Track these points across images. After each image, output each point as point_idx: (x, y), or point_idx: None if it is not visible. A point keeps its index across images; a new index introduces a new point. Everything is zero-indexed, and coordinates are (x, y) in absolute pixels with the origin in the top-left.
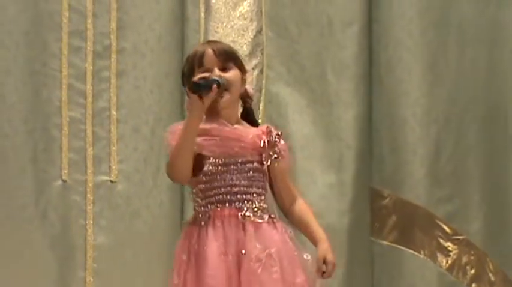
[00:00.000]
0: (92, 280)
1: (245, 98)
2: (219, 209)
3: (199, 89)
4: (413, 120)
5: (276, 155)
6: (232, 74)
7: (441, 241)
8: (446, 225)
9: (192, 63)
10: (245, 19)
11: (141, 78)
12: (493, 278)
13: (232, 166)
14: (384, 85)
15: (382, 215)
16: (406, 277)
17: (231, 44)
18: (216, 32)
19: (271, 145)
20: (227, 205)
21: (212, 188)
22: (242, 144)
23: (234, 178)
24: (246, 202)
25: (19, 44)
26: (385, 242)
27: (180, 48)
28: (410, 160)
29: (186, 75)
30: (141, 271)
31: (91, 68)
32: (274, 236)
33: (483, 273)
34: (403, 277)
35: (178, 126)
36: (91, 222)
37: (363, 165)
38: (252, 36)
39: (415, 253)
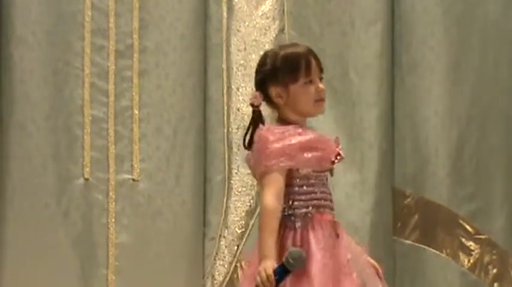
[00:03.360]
0: (113, 278)
1: None
2: (318, 214)
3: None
4: (435, 119)
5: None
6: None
7: (463, 240)
8: (468, 224)
9: (297, 68)
10: (267, 18)
11: (163, 78)
12: None
13: (325, 174)
14: (406, 84)
15: (404, 215)
16: (428, 276)
17: (254, 43)
18: (238, 30)
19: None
20: (325, 210)
21: (311, 192)
22: (333, 155)
23: (327, 183)
24: (333, 208)
25: (42, 43)
26: (408, 242)
27: (203, 47)
28: (432, 159)
29: (283, 76)
30: (163, 269)
31: (113, 67)
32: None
33: (505, 272)
34: (425, 277)
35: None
36: (113, 220)
37: (385, 164)
38: (274, 35)
39: (437, 252)
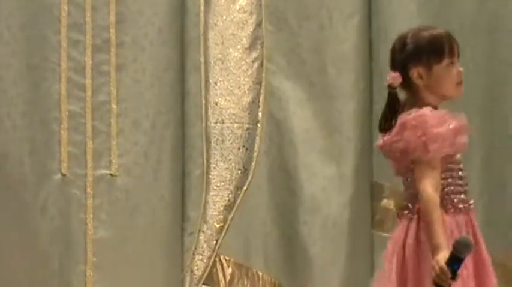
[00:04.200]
0: (92, 274)
1: None
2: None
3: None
4: None
5: None
6: None
7: None
8: None
9: (441, 48)
10: (245, 12)
11: (141, 72)
12: None
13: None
14: (384, 78)
15: (382, 208)
16: None
17: (231, 38)
18: (215, 25)
19: None
20: (465, 196)
21: (463, 177)
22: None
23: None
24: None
25: (18, 38)
26: (386, 234)
27: (180, 41)
28: None
29: (427, 56)
30: (141, 264)
31: (90, 61)
32: None
33: None
34: None
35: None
36: (91, 216)
37: (363, 158)
38: (251, 30)
39: None
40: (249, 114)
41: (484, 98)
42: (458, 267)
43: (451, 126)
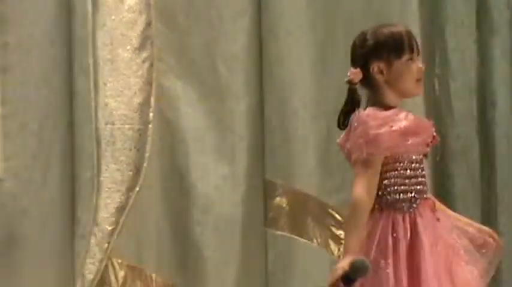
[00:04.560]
0: None
1: None
2: (421, 200)
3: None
4: (304, 111)
5: None
6: None
7: (333, 229)
8: (338, 213)
9: (401, 44)
10: (133, 12)
11: (27, 74)
12: None
13: (423, 158)
14: (274, 77)
15: (275, 206)
16: (300, 265)
17: (120, 38)
18: (104, 25)
19: None
20: (426, 194)
21: (413, 176)
22: (429, 138)
23: (424, 169)
24: (428, 192)
25: None
26: (279, 232)
27: (68, 42)
28: (301, 151)
29: (388, 52)
30: (32, 269)
31: None
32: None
33: None
34: (296, 266)
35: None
36: None
37: (255, 156)
38: (141, 29)
39: (308, 242)
40: (139, 115)
41: None
42: (350, 285)
43: (394, 128)
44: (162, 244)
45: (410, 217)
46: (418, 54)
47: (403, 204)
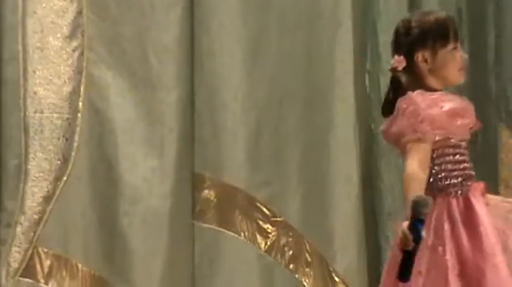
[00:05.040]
0: None
1: None
2: (472, 183)
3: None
4: (234, 104)
5: None
6: None
7: (261, 223)
8: (266, 207)
9: (447, 33)
10: (65, 0)
11: None
12: (309, 259)
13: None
14: (205, 69)
15: (203, 198)
16: (227, 258)
17: (51, 26)
18: (34, 12)
19: None
20: (474, 178)
21: (462, 161)
22: (473, 123)
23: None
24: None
25: None
26: (206, 225)
27: None
28: (231, 144)
29: (433, 40)
30: None
31: None
32: None
33: (300, 254)
34: (223, 259)
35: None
36: None
37: (184, 149)
38: (72, 18)
39: (236, 235)
40: (69, 104)
41: (303, 88)
42: (421, 229)
43: (443, 109)
44: (89, 234)
45: (463, 201)
46: (461, 43)
47: (456, 188)
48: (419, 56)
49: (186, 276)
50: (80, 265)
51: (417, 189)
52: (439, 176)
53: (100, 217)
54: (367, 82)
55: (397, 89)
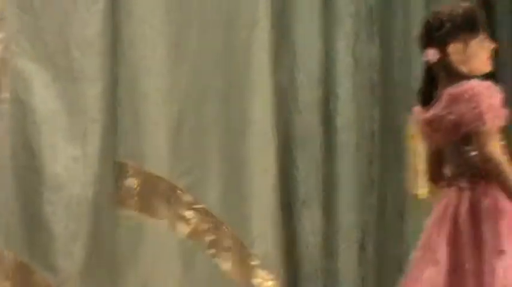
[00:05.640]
0: None
1: None
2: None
3: None
4: (156, 95)
5: None
6: None
7: (182, 210)
8: (187, 195)
9: (476, 24)
10: None
11: None
12: (228, 244)
13: None
14: (128, 61)
15: (126, 187)
16: (149, 244)
17: None
18: None
19: None
20: None
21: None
22: None
23: None
24: None
25: None
26: (129, 212)
27: None
28: (153, 134)
29: (465, 30)
30: None
31: None
32: None
33: (220, 239)
34: (145, 245)
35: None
36: None
37: (107, 138)
38: None
39: (157, 222)
40: None
41: (223, 81)
42: None
43: (498, 98)
44: (12, 221)
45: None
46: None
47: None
48: (452, 48)
49: (109, 262)
50: (5, 252)
51: (506, 170)
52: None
53: (23, 205)
54: (283, 77)
55: (432, 81)
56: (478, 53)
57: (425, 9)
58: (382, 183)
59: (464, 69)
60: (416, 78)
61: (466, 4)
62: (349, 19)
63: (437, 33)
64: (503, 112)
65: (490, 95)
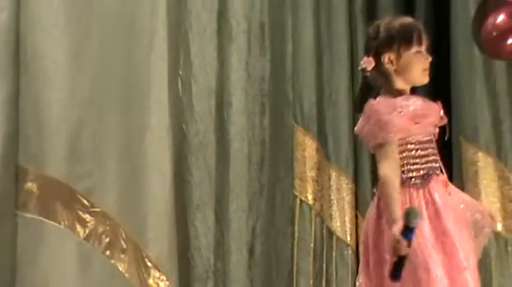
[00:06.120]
0: None
1: None
2: (434, 176)
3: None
4: (58, 104)
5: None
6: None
7: (80, 213)
8: (85, 199)
9: (411, 37)
10: None
11: None
12: (124, 246)
13: (432, 139)
14: (30, 71)
15: (26, 190)
16: (48, 246)
17: None
18: None
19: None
20: (437, 170)
21: (424, 155)
22: (437, 119)
23: (434, 147)
24: (440, 168)
25: None
26: (29, 215)
27: None
28: (53, 140)
29: (398, 43)
30: None
31: None
32: None
33: (116, 241)
34: (45, 247)
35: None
36: None
37: (10, 144)
38: None
39: (57, 224)
40: None
41: (124, 92)
42: (411, 235)
43: (402, 113)
44: None
45: (424, 192)
46: (426, 46)
47: (417, 181)
48: (385, 58)
49: (9, 263)
50: None
51: (391, 192)
52: (403, 169)
53: None
54: (179, 86)
55: (366, 88)
56: (412, 65)
57: (314, 28)
58: (271, 189)
59: (399, 80)
60: (301, 92)
61: (406, 18)
62: (243, 35)
63: (373, 42)
64: (409, 126)
65: (388, 111)
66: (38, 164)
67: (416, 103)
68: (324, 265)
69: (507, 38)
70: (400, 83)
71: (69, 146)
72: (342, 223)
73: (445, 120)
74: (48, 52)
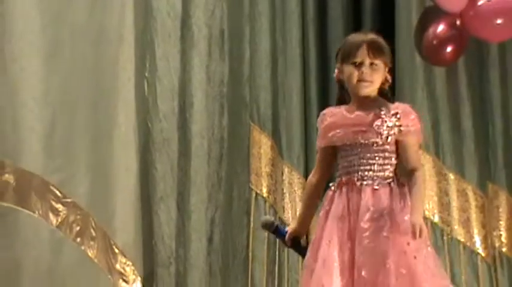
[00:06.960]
0: None
1: (384, 82)
2: (344, 179)
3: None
4: (32, 103)
5: (391, 133)
6: (377, 72)
7: (53, 203)
8: (58, 190)
9: (349, 51)
10: None
11: None
12: (94, 234)
13: (357, 145)
14: (8, 73)
15: (4, 181)
16: (22, 234)
17: None
18: None
19: (389, 124)
20: (349, 175)
21: (344, 162)
22: (363, 128)
23: (361, 154)
24: (366, 172)
25: None
26: (5, 204)
27: None
28: (28, 136)
29: (341, 58)
30: None
31: None
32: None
33: (86, 229)
34: (19, 234)
35: None
36: None
37: None
38: None
39: (31, 213)
40: None
41: (94, 93)
42: (279, 237)
43: (322, 125)
44: None
45: (354, 191)
46: (376, 59)
47: (333, 183)
48: (336, 70)
49: None
50: None
51: (304, 193)
52: (337, 173)
53: None
54: (145, 87)
55: (339, 95)
56: (349, 78)
57: (270, 35)
58: (229, 183)
59: (348, 89)
60: (257, 93)
61: (366, 34)
62: (204, 40)
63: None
64: (325, 137)
65: (322, 121)
66: (15, 158)
67: (338, 115)
68: (277, 252)
69: (446, 46)
70: (348, 93)
71: (43, 141)
72: (293, 214)
73: (380, 129)
74: (24, 55)
